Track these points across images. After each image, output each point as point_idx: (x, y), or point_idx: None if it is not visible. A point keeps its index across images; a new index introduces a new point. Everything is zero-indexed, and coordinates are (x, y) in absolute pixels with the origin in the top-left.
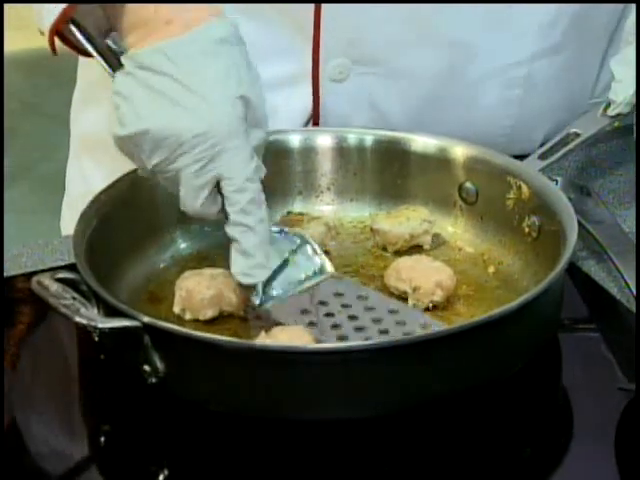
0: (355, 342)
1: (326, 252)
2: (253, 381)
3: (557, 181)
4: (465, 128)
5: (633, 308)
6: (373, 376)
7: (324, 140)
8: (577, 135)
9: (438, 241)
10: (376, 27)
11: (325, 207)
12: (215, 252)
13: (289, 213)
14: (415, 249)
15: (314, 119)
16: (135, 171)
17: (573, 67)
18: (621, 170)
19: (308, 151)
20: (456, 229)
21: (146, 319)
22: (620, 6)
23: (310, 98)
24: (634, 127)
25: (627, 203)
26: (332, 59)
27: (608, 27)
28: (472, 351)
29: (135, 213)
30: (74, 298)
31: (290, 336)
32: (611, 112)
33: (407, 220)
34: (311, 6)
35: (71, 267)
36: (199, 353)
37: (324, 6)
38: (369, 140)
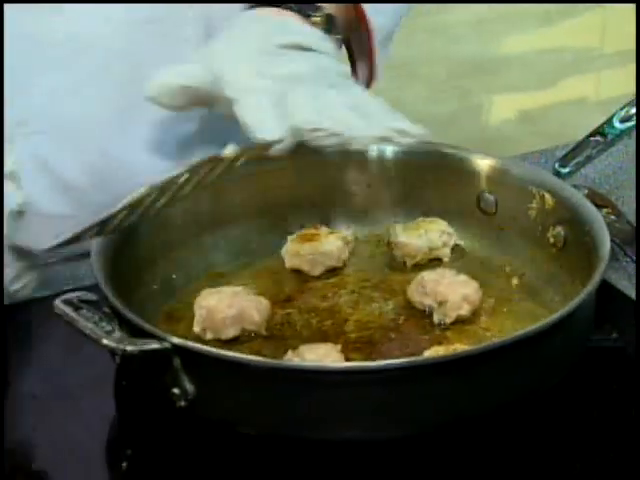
0: (386, 361)
1: (343, 267)
2: (285, 401)
3: (586, 190)
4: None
5: None
6: (406, 395)
7: (339, 152)
8: (597, 142)
9: (457, 253)
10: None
11: (341, 220)
12: (230, 270)
13: (303, 227)
14: (434, 262)
15: None
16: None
17: None
18: (624, 175)
19: (323, 164)
20: (475, 241)
21: (176, 340)
22: None
23: None
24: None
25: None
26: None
27: None
28: (507, 368)
29: (149, 232)
30: (97, 321)
31: (318, 354)
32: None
33: (425, 232)
34: None
35: (86, 289)
36: (231, 374)
37: None
38: (383, 151)
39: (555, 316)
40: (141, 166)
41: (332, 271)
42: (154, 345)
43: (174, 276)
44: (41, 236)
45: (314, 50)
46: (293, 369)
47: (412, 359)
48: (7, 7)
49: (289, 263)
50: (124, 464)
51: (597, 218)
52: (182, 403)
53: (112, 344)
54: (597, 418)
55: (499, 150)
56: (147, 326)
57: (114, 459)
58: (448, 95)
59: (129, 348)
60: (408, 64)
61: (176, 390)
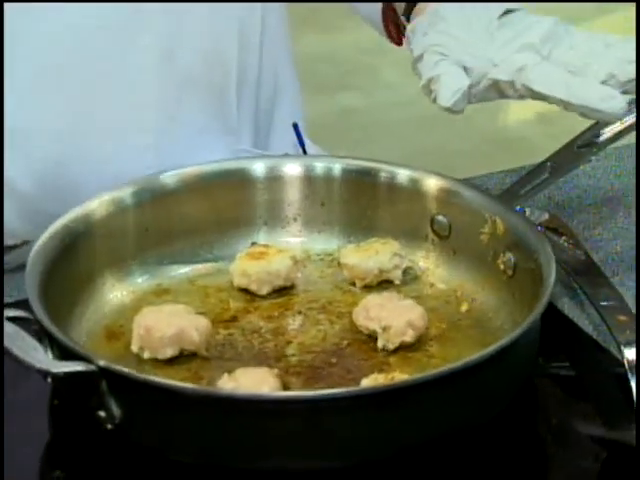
0: (322, 391)
1: (292, 287)
2: (213, 429)
3: (523, 211)
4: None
5: (610, 347)
6: (342, 425)
7: (291, 168)
8: (553, 168)
9: (409, 276)
10: None
11: (292, 239)
12: (176, 286)
13: (253, 244)
14: (385, 284)
15: None
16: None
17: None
18: (589, 200)
19: (274, 180)
20: (428, 264)
21: (102, 363)
22: None
23: None
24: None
25: (597, 234)
26: None
27: None
28: (447, 397)
29: (89, 246)
30: (24, 339)
31: (254, 380)
32: None
33: (376, 254)
34: None
35: (20, 304)
36: (158, 399)
37: None
38: (337, 169)
39: (492, 347)
40: (93, 176)
41: (281, 290)
42: (79, 367)
43: (117, 291)
44: None
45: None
46: (218, 397)
47: (342, 390)
48: None
49: (237, 281)
50: None
51: (544, 246)
52: (109, 426)
53: (36, 365)
54: (538, 448)
55: (516, 152)
56: (74, 347)
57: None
58: None
59: (54, 370)
60: None
61: (102, 413)
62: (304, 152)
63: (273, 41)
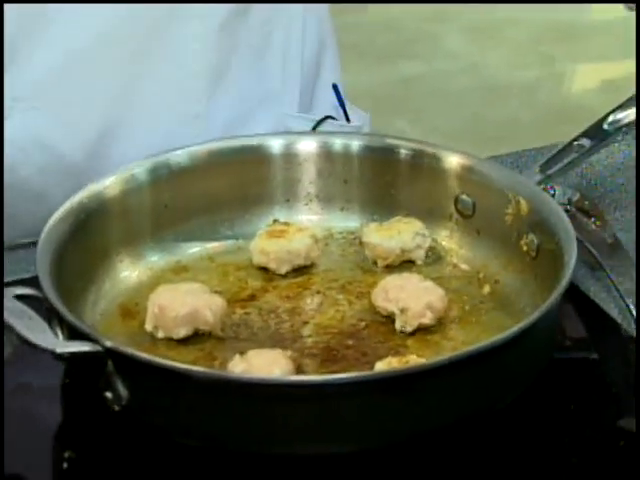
0: (329, 376)
1: (312, 266)
2: (217, 412)
3: (555, 191)
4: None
5: (633, 332)
6: (351, 410)
7: (313, 146)
8: (581, 147)
9: (432, 256)
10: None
11: (314, 216)
12: (195, 263)
13: (275, 222)
14: (407, 264)
15: None
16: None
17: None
18: (621, 178)
19: (295, 156)
20: (451, 244)
21: (109, 343)
22: None
23: None
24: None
25: (628, 213)
26: None
27: None
28: (462, 382)
29: (105, 223)
30: (33, 318)
31: (265, 361)
32: None
33: (399, 233)
34: None
35: (31, 281)
36: (164, 381)
37: None
38: (360, 146)
39: (509, 332)
40: (142, 147)
41: (300, 269)
42: (85, 348)
43: (134, 269)
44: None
45: None
46: (221, 380)
47: (342, 376)
48: None
49: (256, 260)
50: (65, 465)
51: (566, 227)
52: (116, 407)
53: (42, 344)
54: (556, 434)
55: (579, 120)
56: (80, 326)
57: (57, 459)
58: (531, 61)
59: (58, 350)
60: (492, 27)
61: (109, 394)
62: (345, 113)
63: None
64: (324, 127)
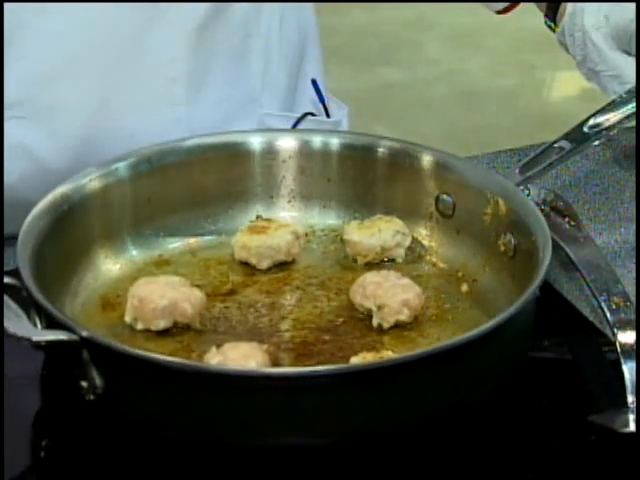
0: (300, 369)
1: (293, 262)
2: (192, 403)
3: (529, 190)
4: None
5: (605, 330)
6: (324, 403)
7: (296, 143)
8: (561, 149)
9: (412, 255)
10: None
11: (296, 213)
12: (177, 257)
13: (258, 217)
14: (387, 262)
15: None
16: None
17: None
18: (596, 180)
19: (278, 154)
20: (431, 243)
21: (84, 333)
22: None
23: None
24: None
25: (602, 216)
26: None
27: None
28: (435, 377)
29: (86, 217)
30: (11, 307)
31: (241, 354)
32: None
33: (379, 231)
34: None
35: (13, 272)
36: (139, 371)
37: None
38: (342, 145)
39: (481, 328)
40: (120, 148)
41: (281, 265)
42: (61, 336)
43: (116, 262)
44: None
45: None
46: (193, 370)
47: (326, 368)
48: None
49: (237, 255)
50: (42, 453)
51: (542, 227)
52: (91, 397)
53: (18, 332)
54: (527, 428)
55: (558, 127)
56: (57, 315)
57: (34, 447)
58: (511, 68)
59: (34, 338)
60: (473, 35)
61: (84, 383)
62: (324, 107)
63: None
64: (304, 124)
